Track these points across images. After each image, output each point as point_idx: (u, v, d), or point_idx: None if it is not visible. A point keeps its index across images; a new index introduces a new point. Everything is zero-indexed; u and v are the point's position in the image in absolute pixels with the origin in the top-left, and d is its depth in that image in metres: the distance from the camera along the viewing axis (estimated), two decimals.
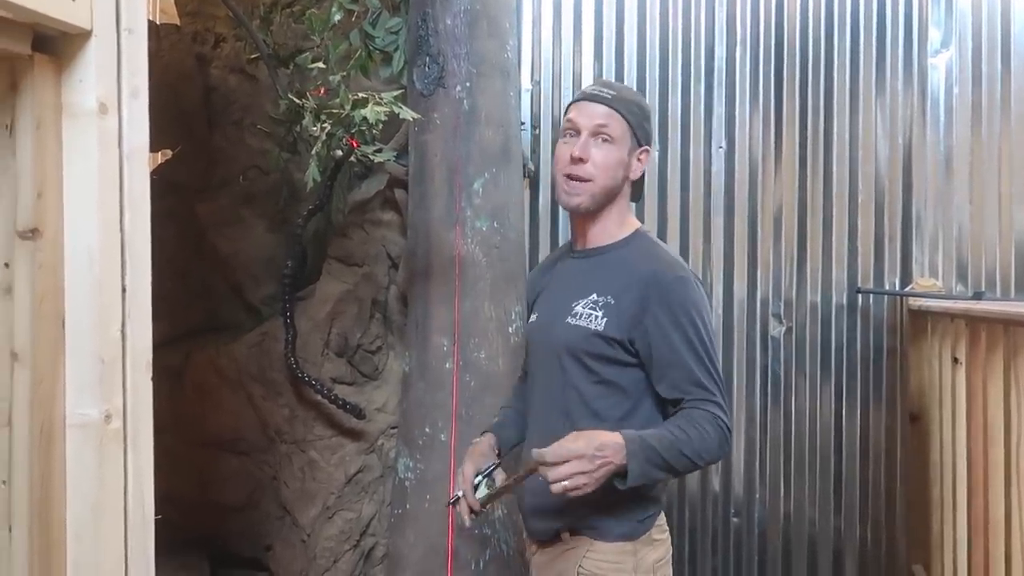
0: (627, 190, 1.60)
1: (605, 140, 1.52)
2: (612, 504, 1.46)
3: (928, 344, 2.41)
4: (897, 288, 2.59)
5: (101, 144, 1.07)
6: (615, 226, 1.58)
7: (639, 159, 1.57)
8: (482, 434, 1.72)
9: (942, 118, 2.59)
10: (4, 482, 1.05)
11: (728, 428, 1.42)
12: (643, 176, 1.61)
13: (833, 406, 2.63)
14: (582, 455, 1.31)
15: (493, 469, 1.56)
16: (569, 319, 1.53)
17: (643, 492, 1.49)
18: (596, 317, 1.49)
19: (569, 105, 1.60)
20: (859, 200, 2.62)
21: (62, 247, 1.06)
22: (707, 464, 1.43)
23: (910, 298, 2.53)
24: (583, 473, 1.31)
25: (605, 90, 1.55)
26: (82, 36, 1.06)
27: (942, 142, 2.58)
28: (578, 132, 1.53)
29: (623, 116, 1.53)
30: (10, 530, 1.05)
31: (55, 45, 1.06)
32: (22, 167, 1.05)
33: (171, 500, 1.82)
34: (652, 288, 1.46)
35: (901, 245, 2.61)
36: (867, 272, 2.62)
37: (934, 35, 2.60)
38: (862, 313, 2.61)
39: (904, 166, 2.61)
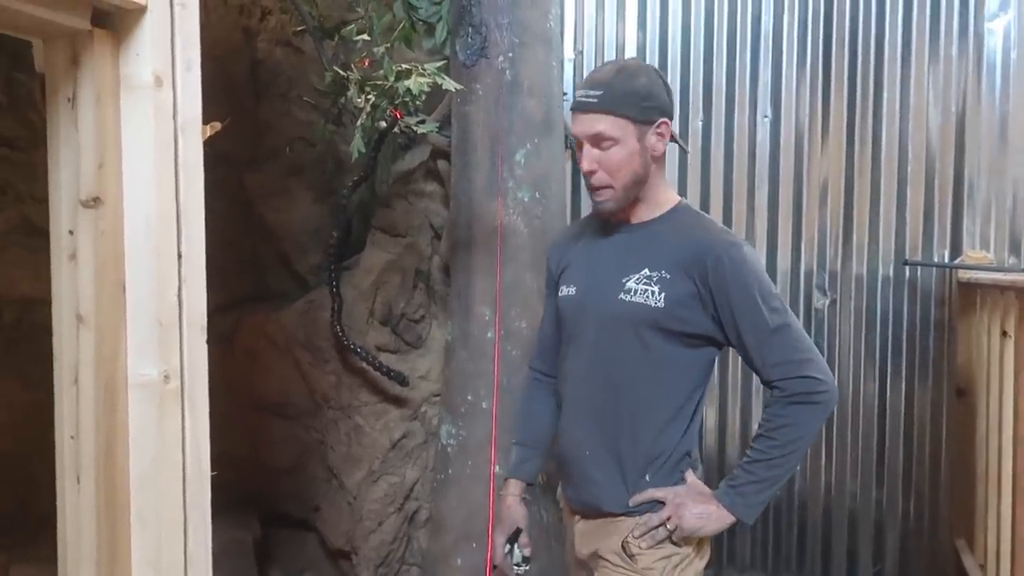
0: (660, 165, 1.57)
1: (606, 144, 1.50)
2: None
3: (977, 317, 2.36)
4: (946, 260, 2.54)
5: (157, 116, 1.12)
6: (656, 201, 1.57)
7: (658, 134, 1.52)
8: (506, 480, 1.76)
9: (998, 84, 2.50)
10: (73, 437, 1.12)
11: (817, 385, 1.43)
12: (675, 135, 1.58)
13: (877, 379, 2.60)
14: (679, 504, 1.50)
15: (518, 535, 1.70)
16: (622, 295, 1.52)
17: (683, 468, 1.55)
18: (653, 293, 1.49)
19: (571, 111, 1.58)
20: (909, 170, 2.56)
21: (122, 215, 1.11)
22: (812, 434, 1.49)
23: (960, 270, 2.47)
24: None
25: (592, 93, 1.50)
26: (138, 10, 1.10)
27: (998, 109, 2.50)
28: (582, 143, 1.53)
29: (616, 114, 1.49)
30: (78, 481, 1.12)
31: (113, 20, 1.11)
32: (84, 139, 1.10)
33: (224, 461, 1.91)
34: (708, 258, 1.46)
35: (952, 216, 2.54)
36: (915, 244, 2.56)
37: None
38: (909, 285, 2.57)
39: (957, 135, 2.54)
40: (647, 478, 1.52)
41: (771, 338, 1.45)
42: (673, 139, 1.58)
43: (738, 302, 1.45)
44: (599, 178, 1.52)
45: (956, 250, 2.54)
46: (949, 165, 2.54)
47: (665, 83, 1.57)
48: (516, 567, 1.69)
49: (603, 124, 1.49)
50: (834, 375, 2.55)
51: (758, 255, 1.57)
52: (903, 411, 2.59)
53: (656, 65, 2.66)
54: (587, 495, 1.60)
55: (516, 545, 1.70)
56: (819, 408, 1.45)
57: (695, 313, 1.48)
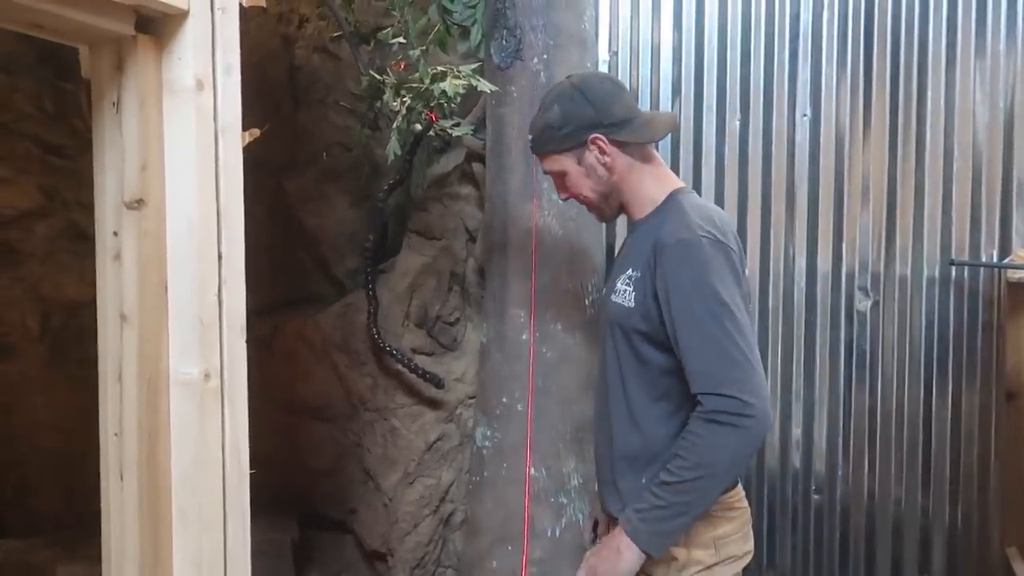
0: (627, 167, 1.54)
1: (557, 175, 1.61)
2: None
3: None
4: (995, 260, 2.47)
5: (198, 119, 1.14)
6: (646, 198, 1.55)
7: (598, 150, 1.52)
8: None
9: None
10: (117, 434, 1.14)
11: (738, 406, 1.30)
12: (638, 120, 1.54)
13: (923, 383, 2.53)
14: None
15: (597, 526, 1.75)
16: (612, 296, 1.54)
17: None
18: (628, 293, 1.49)
19: None
20: (955, 168, 2.49)
21: (164, 216, 1.13)
22: (729, 463, 1.33)
23: (1009, 271, 2.40)
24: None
25: (529, 138, 1.64)
26: (180, 16, 1.12)
27: None
28: None
29: (545, 152, 1.60)
30: (121, 478, 1.14)
31: (156, 25, 1.13)
32: (128, 142, 1.13)
33: (263, 463, 1.94)
34: (658, 256, 1.42)
35: (1000, 215, 2.47)
36: (962, 243, 2.50)
37: None
38: (956, 286, 2.50)
39: (1005, 132, 2.47)
40: (643, 481, 1.47)
41: (698, 344, 1.35)
42: (623, 144, 1.53)
43: (674, 300, 1.37)
44: (576, 201, 1.64)
45: (1005, 250, 2.47)
46: (997, 163, 2.47)
47: (587, 96, 1.52)
48: None
49: (544, 163, 1.62)
50: (877, 378, 2.54)
51: (720, 249, 1.40)
52: (950, 415, 2.52)
53: (692, 66, 2.65)
54: (598, 493, 1.66)
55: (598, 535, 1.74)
56: (736, 433, 1.30)
57: (659, 312, 1.43)
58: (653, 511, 1.36)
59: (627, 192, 1.56)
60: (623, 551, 1.38)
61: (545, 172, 1.65)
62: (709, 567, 1.46)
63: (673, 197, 1.53)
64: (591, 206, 1.63)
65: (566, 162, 1.57)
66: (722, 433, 1.31)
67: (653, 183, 1.56)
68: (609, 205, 1.60)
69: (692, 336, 1.36)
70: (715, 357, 1.34)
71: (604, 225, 2.56)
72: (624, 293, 1.49)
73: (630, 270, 1.50)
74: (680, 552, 1.44)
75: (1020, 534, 2.33)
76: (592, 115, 1.52)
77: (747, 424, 1.30)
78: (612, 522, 1.62)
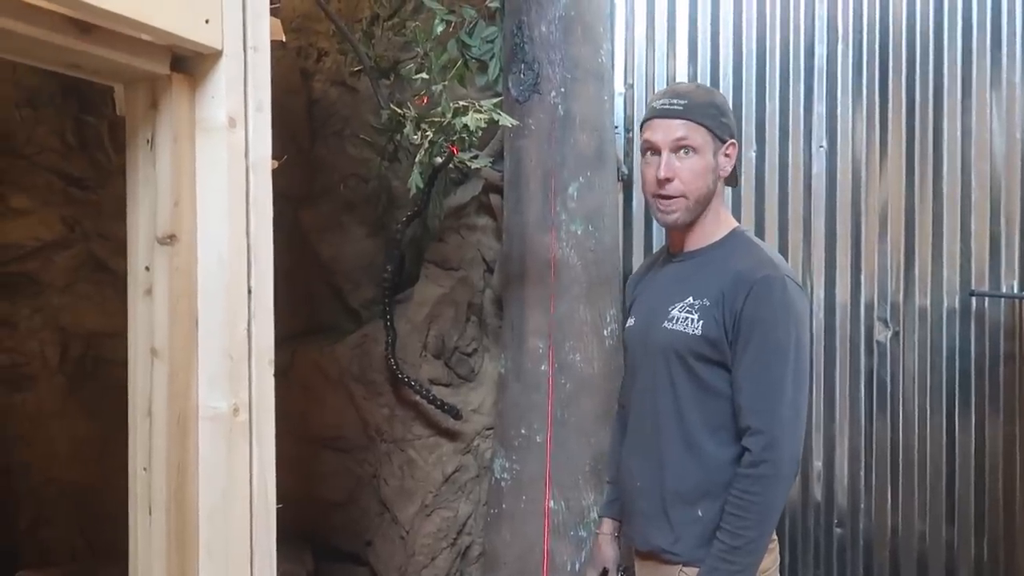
0: (720, 189, 1.58)
1: (687, 152, 1.51)
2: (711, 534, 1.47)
3: None
4: (1015, 290, 2.46)
5: (230, 156, 1.15)
6: (711, 227, 1.57)
7: (726, 155, 1.56)
8: (600, 518, 1.78)
9: None
10: (145, 469, 1.14)
11: (772, 454, 1.39)
12: (735, 166, 1.59)
13: (945, 414, 2.51)
14: None
15: (605, 574, 1.72)
16: (666, 323, 1.53)
17: None
18: (692, 320, 1.49)
19: (643, 123, 1.58)
20: (972, 199, 2.49)
21: (196, 252, 1.14)
22: (779, 508, 1.43)
23: None
24: None
25: (676, 101, 1.52)
26: (214, 56, 1.14)
27: None
28: (658, 151, 1.53)
29: (699, 123, 1.51)
30: (150, 513, 1.14)
31: (190, 65, 1.15)
32: (161, 178, 1.14)
33: (278, 494, 1.93)
34: (739, 287, 1.44)
35: (1020, 245, 2.47)
36: (981, 274, 2.49)
37: None
38: (976, 317, 2.49)
39: (1023, 162, 2.47)
40: (699, 513, 1.48)
41: (759, 380, 1.41)
42: (734, 168, 1.58)
43: (745, 331, 1.43)
44: (674, 186, 1.51)
45: None
46: (1015, 193, 2.47)
47: (732, 113, 1.61)
48: None
49: (687, 130, 1.51)
50: (899, 409, 2.51)
51: (801, 296, 1.48)
52: (974, 446, 2.49)
53: None
54: (636, 528, 1.60)
55: None
56: (779, 481, 1.40)
57: (730, 340, 1.47)
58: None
59: (709, 212, 1.56)
60: None
61: (666, 139, 1.51)
62: None
63: (739, 233, 1.58)
64: (686, 199, 1.52)
65: (707, 143, 1.52)
66: (772, 485, 1.40)
67: (723, 215, 1.60)
68: (697, 210, 1.54)
69: (754, 370, 1.42)
70: (771, 398, 1.41)
71: (621, 256, 2.57)
72: (686, 321, 1.49)
73: (690, 298, 1.51)
74: None
75: None
76: (734, 127, 1.59)
77: (786, 472, 1.41)
78: (640, 557, 1.60)
